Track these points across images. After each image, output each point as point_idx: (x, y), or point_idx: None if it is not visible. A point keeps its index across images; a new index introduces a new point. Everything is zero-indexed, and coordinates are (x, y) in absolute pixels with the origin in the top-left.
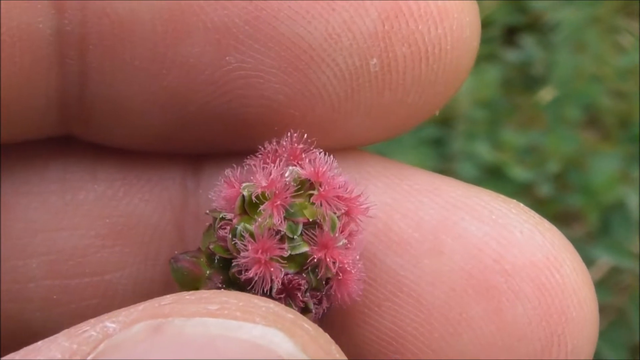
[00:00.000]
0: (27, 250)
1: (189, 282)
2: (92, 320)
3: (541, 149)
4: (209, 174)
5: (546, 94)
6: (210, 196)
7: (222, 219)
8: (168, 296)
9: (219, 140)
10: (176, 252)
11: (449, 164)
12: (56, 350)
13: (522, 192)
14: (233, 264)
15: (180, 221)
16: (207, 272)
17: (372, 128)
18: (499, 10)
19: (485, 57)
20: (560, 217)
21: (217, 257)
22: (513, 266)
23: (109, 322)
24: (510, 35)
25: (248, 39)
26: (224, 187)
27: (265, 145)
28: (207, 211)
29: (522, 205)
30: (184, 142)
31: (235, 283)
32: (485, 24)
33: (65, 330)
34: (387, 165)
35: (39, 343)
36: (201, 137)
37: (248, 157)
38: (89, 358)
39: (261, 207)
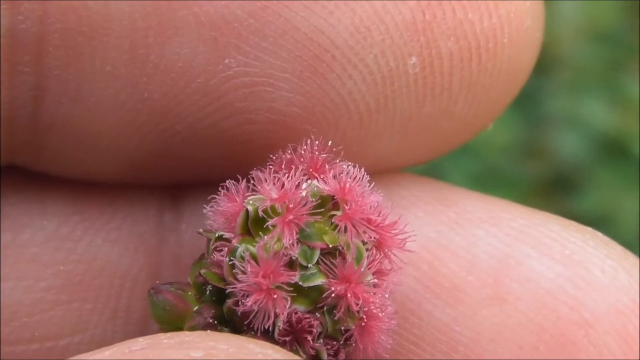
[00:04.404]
0: None
1: (172, 320)
2: None
3: None
4: (194, 203)
5: None
6: (205, 211)
7: (219, 238)
8: (141, 339)
9: (210, 168)
10: (157, 282)
11: (542, 133)
12: None
13: None
14: (228, 292)
15: (156, 266)
16: (196, 307)
17: (407, 148)
18: None
19: None
20: None
21: (209, 287)
22: (594, 315)
23: None
24: None
25: (253, 36)
26: (223, 201)
27: (278, 155)
28: (201, 230)
29: (599, 234)
30: (165, 171)
31: (230, 321)
32: None
33: None
34: (427, 188)
35: None
36: (188, 165)
37: (254, 170)
38: None
39: (269, 223)
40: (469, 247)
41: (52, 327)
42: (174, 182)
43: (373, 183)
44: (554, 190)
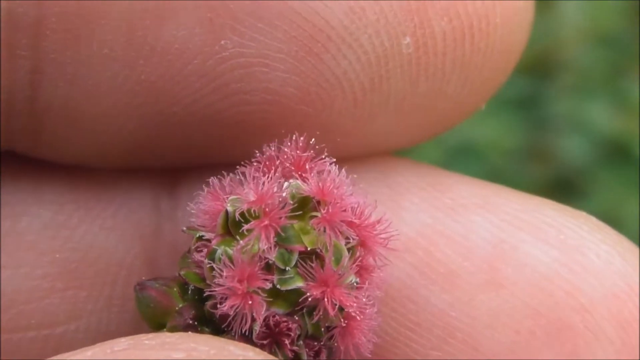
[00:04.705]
0: None
1: (157, 316)
2: None
3: None
4: (190, 191)
5: None
6: (189, 209)
7: (200, 238)
8: (123, 339)
9: (206, 149)
10: (143, 278)
11: (545, 136)
12: None
13: None
14: (207, 295)
15: (152, 254)
16: (179, 305)
17: (402, 128)
18: None
19: None
20: None
21: (190, 286)
22: (590, 300)
23: None
24: None
25: (249, 17)
26: (207, 199)
27: (263, 150)
28: (184, 228)
29: (594, 219)
30: (162, 154)
31: (211, 321)
32: None
33: None
34: (422, 174)
35: None
36: (185, 147)
37: (241, 164)
38: None
39: (245, 227)
40: (464, 233)
41: (48, 315)
42: (172, 166)
43: (363, 172)
44: (557, 192)
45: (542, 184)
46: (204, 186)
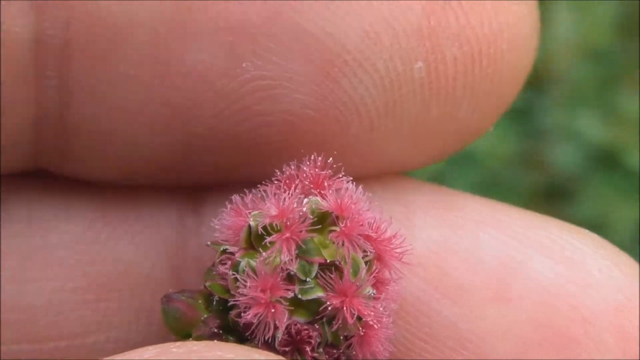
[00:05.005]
0: None
1: (182, 327)
2: None
3: None
4: (214, 208)
5: None
6: (213, 224)
7: (224, 252)
8: (151, 348)
9: (229, 168)
10: (170, 290)
11: (539, 145)
12: None
13: None
14: (231, 304)
15: (178, 268)
16: (204, 315)
17: (414, 150)
18: None
19: None
20: None
21: (215, 297)
22: (592, 312)
23: None
24: None
25: (268, 41)
26: (230, 215)
27: (284, 169)
28: (209, 243)
29: (595, 235)
30: (186, 171)
31: (235, 330)
32: None
33: None
34: (434, 194)
35: None
36: (208, 165)
37: (262, 183)
38: None
39: (267, 240)
40: (473, 250)
41: (79, 326)
42: (196, 184)
43: (375, 201)
44: (550, 198)
45: (536, 189)
46: (226, 203)
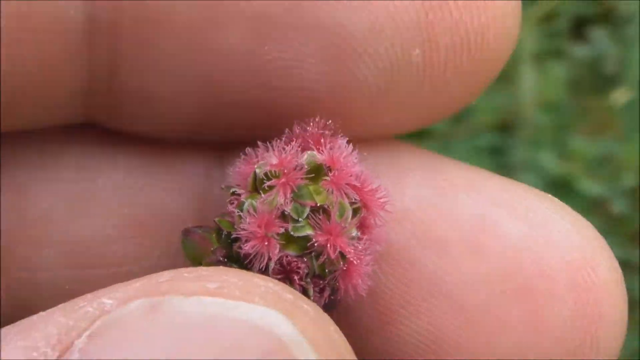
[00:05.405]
0: (41, 239)
1: (197, 256)
2: (88, 296)
3: (615, 159)
4: (235, 161)
5: (620, 96)
6: (228, 172)
7: (233, 193)
8: (166, 272)
9: (250, 129)
10: (189, 225)
11: (509, 175)
12: (52, 326)
13: (593, 209)
14: (235, 237)
15: (203, 211)
16: (214, 246)
17: (408, 118)
18: None
19: (551, 53)
20: (637, 237)
21: (224, 232)
22: (550, 268)
23: (106, 299)
24: (579, 27)
25: (288, 28)
26: (242, 164)
27: (294, 129)
28: (222, 186)
29: (556, 200)
30: (214, 129)
31: (237, 259)
32: (551, 15)
33: (61, 305)
34: (423, 158)
35: (35, 317)
36: (232, 126)
37: (273, 139)
38: (85, 334)
39: (267, 184)
40: (453, 209)
41: (119, 257)
42: (221, 141)
43: (373, 152)
44: None
45: None
46: (241, 154)
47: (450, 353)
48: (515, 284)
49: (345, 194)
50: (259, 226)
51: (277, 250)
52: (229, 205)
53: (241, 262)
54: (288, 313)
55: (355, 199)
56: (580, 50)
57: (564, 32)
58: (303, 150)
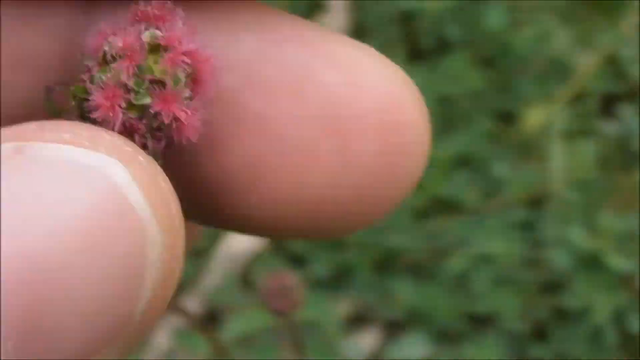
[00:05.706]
0: None
1: (56, 113)
2: None
3: None
4: (102, 16)
5: None
6: (84, 41)
7: (86, 65)
8: (33, 123)
9: None
10: (52, 82)
11: (539, 250)
12: None
13: (622, 284)
14: (86, 105)
15: (67, 55)
16: (72, 105)
17: None
18: (594, 77)
19: (580, 131)
20: None
21: (78, 96)
22: (362, 110)
23: None
24: (608, 105)
25: None
26: (95, 36)
27: (137, 4)
28: (80, 54)
29: (373, 50)
30: None
31: (89, 120)
32: (580, 94)
33: None
34: (262, 16)
35: None
36: None
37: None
38: None
39: (113, 65)
40: (280, 59)
41: None
42: None
43: (214, 17)
44: (547, 290)
45: (536, 283)
46: (101, 20)
47: (271, 178)
48: (330, 124)
49: (180, 67)
50: (106, 98)
51: (121, 115)
52: (83, 74)
53: (91, 121)
54: (126, 162)
55: (189, 70)
56: (608, 127)
57: (593, 110)
58: (146, 26)
